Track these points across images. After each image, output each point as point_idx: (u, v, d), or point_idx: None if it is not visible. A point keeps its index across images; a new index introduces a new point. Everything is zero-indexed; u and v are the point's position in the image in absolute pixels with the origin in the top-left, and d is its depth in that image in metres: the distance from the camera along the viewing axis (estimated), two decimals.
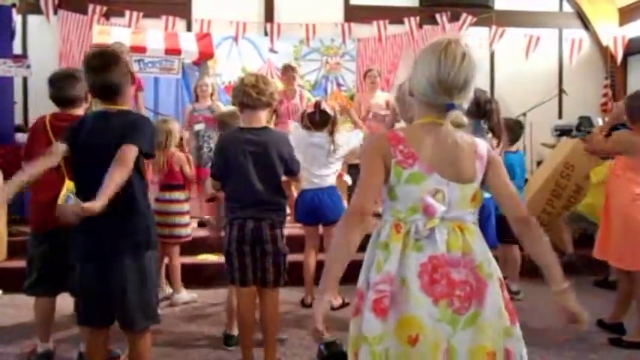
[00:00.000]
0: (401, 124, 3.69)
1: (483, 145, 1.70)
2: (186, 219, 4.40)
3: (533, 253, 1.68)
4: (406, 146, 1.61)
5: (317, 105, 4.22)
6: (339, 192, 4.34)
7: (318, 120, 4.13)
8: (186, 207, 4.42)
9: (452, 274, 1.59)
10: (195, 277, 4.74)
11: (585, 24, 8.28)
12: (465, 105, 1.66)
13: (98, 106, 2.47)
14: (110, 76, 2.43)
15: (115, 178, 2.22)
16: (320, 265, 4.36)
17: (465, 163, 1.65)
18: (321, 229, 4.29)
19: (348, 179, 4.93)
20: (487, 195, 3.47)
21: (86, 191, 2.31)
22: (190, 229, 4.49)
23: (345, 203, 4.42)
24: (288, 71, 5.92)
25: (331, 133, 4.10)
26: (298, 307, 4.21)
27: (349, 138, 4.25)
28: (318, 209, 4.10)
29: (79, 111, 3.20)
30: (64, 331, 3.54)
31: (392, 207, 1.66)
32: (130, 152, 2.31)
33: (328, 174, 4.15)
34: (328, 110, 4.16)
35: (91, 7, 7.27)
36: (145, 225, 2.46)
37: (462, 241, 1.62)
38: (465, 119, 1.62)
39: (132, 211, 2.41)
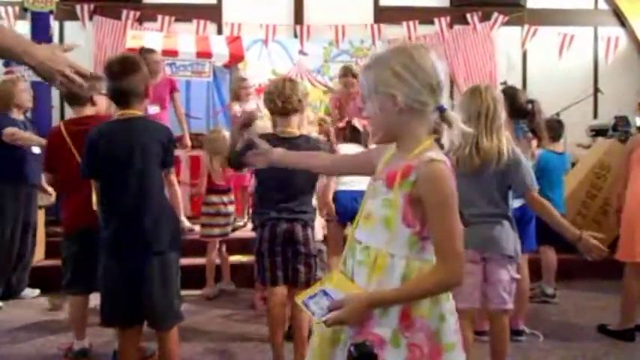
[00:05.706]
0: None
1: None
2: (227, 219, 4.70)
3: None
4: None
5: (348, 122, 4.33)
6: None
7: (349, 137, 4.25)
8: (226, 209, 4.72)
9: None
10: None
11: (622, 21, 8.09)
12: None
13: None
14: (127, 83, 2.54)
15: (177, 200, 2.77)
16: None
17: None
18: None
19: None
20: (518, 202, 3.34)
21: (110, 194, 2.54)
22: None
23: None
24: (347, 75, 5.43)
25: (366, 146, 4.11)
26: None
27: None
28: (355, 212, 4.02)
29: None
30: (100, 329, 3.61)
31: None
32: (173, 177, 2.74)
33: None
34: (359, 127, 4.20)
35: (124, 12, 7.43)
36: (171, 227, 2.58)
37: None
38: None
39: (159, 213, 2.53)
